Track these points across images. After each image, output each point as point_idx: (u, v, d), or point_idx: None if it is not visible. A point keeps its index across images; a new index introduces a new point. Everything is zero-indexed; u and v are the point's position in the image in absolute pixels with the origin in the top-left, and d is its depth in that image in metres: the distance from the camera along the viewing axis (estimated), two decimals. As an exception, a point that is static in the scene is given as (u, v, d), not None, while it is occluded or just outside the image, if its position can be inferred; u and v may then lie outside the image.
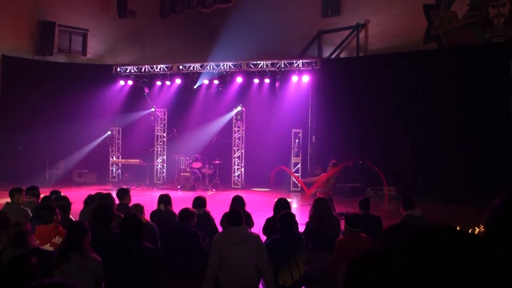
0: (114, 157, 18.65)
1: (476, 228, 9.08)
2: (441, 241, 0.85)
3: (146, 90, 18.26)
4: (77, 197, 9.38)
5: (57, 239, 5.40)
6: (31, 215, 6.74)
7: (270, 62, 16.74)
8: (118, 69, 18.69)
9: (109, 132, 18.47)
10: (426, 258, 0.83)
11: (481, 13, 14.63)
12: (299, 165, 16.35)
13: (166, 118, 18.57)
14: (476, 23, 14.76)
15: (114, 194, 8.43)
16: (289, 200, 7.49)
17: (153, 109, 18.12)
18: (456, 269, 0.80)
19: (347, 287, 0.95)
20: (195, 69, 17.72)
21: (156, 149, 18.61)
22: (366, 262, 0.91)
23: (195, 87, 17.74)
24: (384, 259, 0.88)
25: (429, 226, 0.91)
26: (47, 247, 5.25)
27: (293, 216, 6.01)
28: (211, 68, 17.50)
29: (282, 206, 6.84)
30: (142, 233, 4.98)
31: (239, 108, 17.05)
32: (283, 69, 16.59)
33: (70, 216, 6.84)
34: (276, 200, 7.23)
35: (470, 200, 12.24)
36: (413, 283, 0.81)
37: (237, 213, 5.69)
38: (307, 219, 7.23)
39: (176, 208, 6.91)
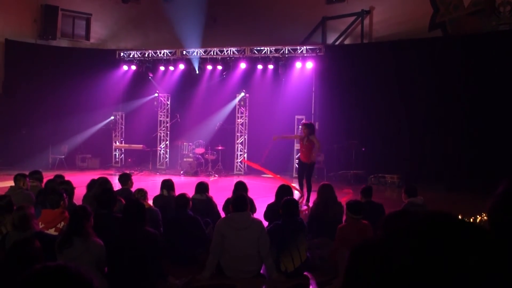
0: (117, 142, 18.68)
1: (478, 216, 9.12)
2: (439, 229, 0.85)
3: (151, 75, 18.26)
4: (80, 182, 9.40)
5: (62, 225, 5.41)
6: (34, 199, 6.78)
7: (274, 48, 16.67)
8: (122, 54, 18.64)
9: (112, 117, 18.48)
10: (424, 246, 0.83)
11: (487, 1, 14.48)
12: (301, 152, 16.33)
13: (169, 103, 18.56)
14: (482, 11, 14.62)
15: (116, 179, 8.47)
16: (293, 184, 7.51)
17: (156, 95, 18.11)
18: (454, 258, 0.80)
19: (349, 275, 0.96)
20: (198, 54, 17.66)
21: (159, 134, 18.62)
22: (367, 250, 0.92)
23: (197, 72, 17.70)
24: (384, 248, 0.88)
25: (428, 214, 0.91)
26: (52, 231, 5.28)
27: (296, 202, 6.03)
28: (215, 53, 17.44)
29: (284, 193, 6.85)
30: (145, 218, 5.00)
31: (242, 94, 17.02)
32: (287, 55, 16.52)
33: (74, 201, 6.87)
34: (278, 186, 7.24)
35: (474, 189, 12.23)
36: (411, 272, 0.81)
37: (242, 198, 5.70)
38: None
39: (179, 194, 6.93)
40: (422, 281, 0.80)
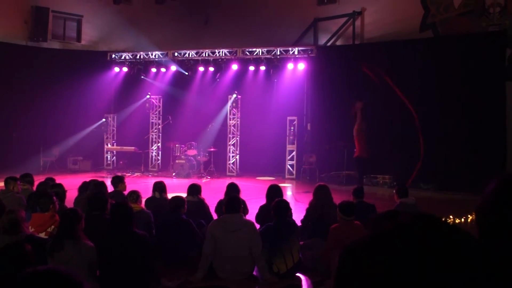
0: (109, 144, 18.61)
1: (469, 216, 9.17)
2: (419, 232, 0.87)
3: (143, 75, 18.26)
4: (72, 185, 9.37)
5: (52, 228, 5.38)
6: (25, 202, 6.73)
7: (265, 49, 16.69)
8: (113, 55, 18.59)
9: (103, 119, 18.41)
10: (404, 249, 0.84)
11: (477, 2, 14.59)
12: (294, 153, 16.37)
13: (161, 105, 18.51)
14: (472, 12, 14.73)
15: (109, 181, 8.44)
16: (285, 185, 7.51)
17: (148, 96, 18.07)
18: (436, 261, 0.81)
19: (339, 275, 0.96)
20: (190, 56, 17.65)
21: (151, 136, 18.57)
22: (356, 251, 0.92)
23: (186, 73, 17.69)
24: (369, 249, 0.89)
25: (411, 217, 0.92)
26: (42, 235, 5.25)
27: (287, 203, 6.03)
28: (207, 55, 17.43)
29: (274, 193, 6.85)
30: (132, 221, 4.98)
31: (234, 96, 17.02)
32: (278, 57, 16.55)
33: (65, 204, 6.83)
34: (268, 187, 7.23)
35: (465, 189, 12.31)
36: (391, 274, 0.82)
37: (235, 200, 5.71)
38: (302, 207, 7.27)
39: (171, 196, 6.92)
40: (403, 284, 0.81)
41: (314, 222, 6.77)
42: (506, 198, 1.26)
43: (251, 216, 7.15)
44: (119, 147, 18.34)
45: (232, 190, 7.24)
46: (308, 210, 7.08)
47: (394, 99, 15.00)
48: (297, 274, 5.74)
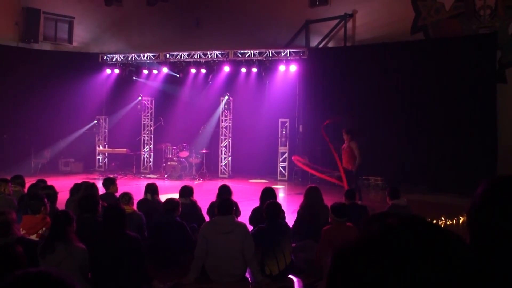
0: (100, 146, 18.53)
1: (461, 217, 9.22)
2: (406, 234, 0.87)
3: (135, 76, 18.22)
4: (63, 187, 9.32)
5: (44, 231, 5.35)
6: (16, 204, 6.70)
7: (257, 51, 16.69)
8: (105, 57, 18.52)
9: (95, 121, 18.34)
10: (390, 252, 0.85)
11: (467, 4, 14.68)
12: (286, 155, 16.38)
13: (153, 107, 18.47)
14: (462, 14, 14.81)
15: (100, 183, 8.41)
16: (278, 187, 7.52)
17: (140, 98, 18.03)
18: (425, 266, 0.82)
19: (331, 277, 0.96)
20: (182, 58, 17.62)
21: (143, 138, 18.52)
22: (347, 254, 0.93)
23: (178, 75, 17.67)
24: (357, 251, 0.90)
25: (398, 219, 0.93)
26: (33, 238, 5.22)
27: (279, 205, 6.03)
28: (198, 57, 17.41)
29: (268, 196, 6.85)
30: (125, 222, 4.97)
31: (226, 97, 17.02)
32: (270, 59, 16.56)
33: (57, 206, 6.80)
34: (262, 189, 7.24)
35: (457, 189, 12.36)
36: (379, 276, 0.83)
37: (227, 202, 5.71)
38: (294, 208, 7.28)
39: (163, 198, 6.91)
40: (391, 286, 0.81)
41: (306, 223, 6.78)
42: (495, 200, 1.27)
43: (243, 218, 7.15)
44: (110, 149, 18.27)
45: (224, 192, 7.23)
46: (299, 212, 7.09)
47: (384, 101, 15.06)
48: (289, 276, 5.75)
